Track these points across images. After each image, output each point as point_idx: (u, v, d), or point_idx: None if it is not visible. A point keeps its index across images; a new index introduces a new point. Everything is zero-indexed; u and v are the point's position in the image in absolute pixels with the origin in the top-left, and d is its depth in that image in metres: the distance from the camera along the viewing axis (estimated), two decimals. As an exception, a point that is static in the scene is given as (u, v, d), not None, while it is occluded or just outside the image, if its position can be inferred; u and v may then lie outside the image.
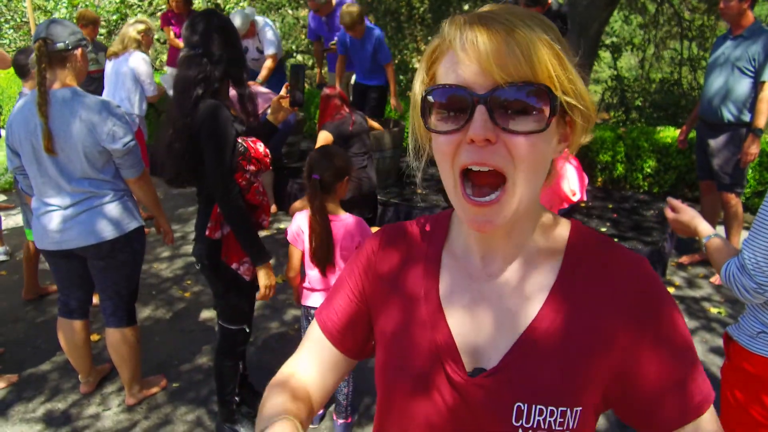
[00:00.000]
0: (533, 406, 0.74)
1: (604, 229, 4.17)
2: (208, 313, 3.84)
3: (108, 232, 2.57)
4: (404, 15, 9.58)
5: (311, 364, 0.92)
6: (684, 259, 4.41)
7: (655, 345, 0.75)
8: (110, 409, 2.93)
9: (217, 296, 2.52)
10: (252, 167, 2.27)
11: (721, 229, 4.37)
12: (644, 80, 9.56)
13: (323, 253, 2.41)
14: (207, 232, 2.31)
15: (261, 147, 2.31)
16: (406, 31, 9.70)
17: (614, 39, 9.81)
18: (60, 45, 2.41)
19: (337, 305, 0.93)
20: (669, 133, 5.44)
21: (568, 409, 0.74)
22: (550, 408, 0.74)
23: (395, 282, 0.87)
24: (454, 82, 0.68)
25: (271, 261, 2.57)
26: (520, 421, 0.74)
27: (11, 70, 7.28)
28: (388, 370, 0.85)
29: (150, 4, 9.02)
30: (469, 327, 0.80)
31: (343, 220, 2.46)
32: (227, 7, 8.93)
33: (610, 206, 4.68)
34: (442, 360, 0.79)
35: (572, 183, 3.52)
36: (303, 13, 11.85)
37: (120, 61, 4.57)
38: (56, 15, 8.29)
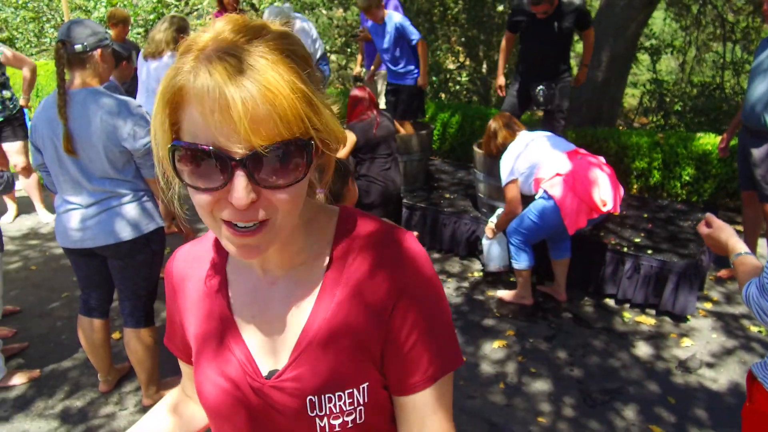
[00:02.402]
0: (322, 396, 0.80)
1: (638, 240, 4.01)
2: (228, 315, 3.82)
3: (126, 232, 2.56)
4: (437, 15, 9.49)
5: (187, 385, 1.06)
6: (723, 273, 4.22)
7: (410, 309, 0.80)
8: (126, 408, 2.93)
9: None
10: None
11: (764, 242, 4.17)
12: (685, 84, 9.26)
13: None
14: None
15: None
16: (439, 31, 9.61)
17: (653, 41, 9.53)
18: (78, 47, 2.41)
19: (170, 330, 1.00)
20: (709, 140, 5.23)
21: (354, 389, 0.81)
22: (337, 393, 0.80)
23: (192, 303, 0.92)
24: (205, 143, 0.64)
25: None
26: (315, 412, 0.81)
27: (50, 67, 7.45)
28: (203, 390, 0.89)
29: (186, 3, 9.12)
30: (260, 334, 0.85)
31: None
32: (261, 6, 8.98)
33: (645, 216, 4.51)
34: (243, 369, 0.84)
35: (603, 192, 3.39)
36: (338, 13, 11.87)
37: (157, 64, 4.55)
38: (95, 14, 8.46)
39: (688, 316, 3.71)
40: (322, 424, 0.81)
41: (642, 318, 3.72)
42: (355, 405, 0.82)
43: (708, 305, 3.87)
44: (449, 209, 4.65)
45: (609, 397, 2.99)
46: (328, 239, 0.85)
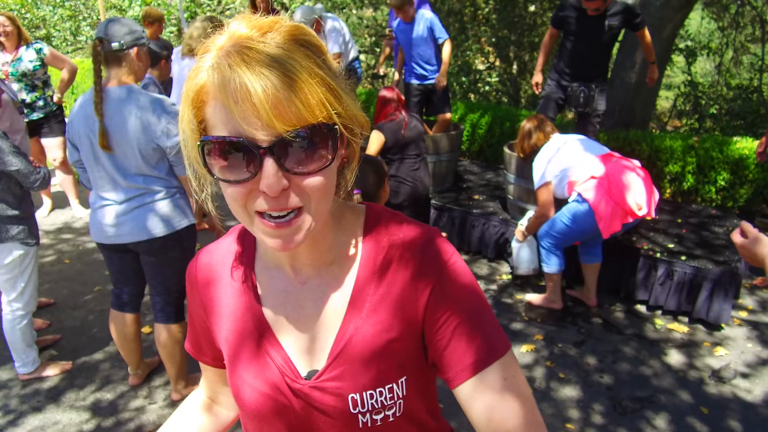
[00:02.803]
0: (364, 393, 0.81)
1: (671, 245, 3.93)
2: (256, 312, 3.85)
3: (159, 229, 2.59)
4: (468, 16, 9.43)
5: (204, 383, 1.08)
6: (758, 281, 4.11)
7: (443, 302, 0.80)
8: (155, 402, 2.97)
9: None
10: None
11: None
12: (721, 86, 9.03)
13: None
14: None
15: None
16: (469, 32, 9.55)
17: (689, 43, 9.32)
18: (115, 45, 2.44)
19: (192, 333, 1.01)
20: (745, 144, 5.09)
21: (394, 384, 0.82)
22: (378, 389, 0.81)
23: (221, 307, 0.91)
24: (232, 134, 0.66)
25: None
26: (357, 409, 0.82)
27: (86, 65, 7.59)
28: (240, 393, 0.89)
29: (219, 2, 9.22)
30: (295, 335, 0.85)
31: None
32: (292, 6, 9.03)
33: (678, 221, 4.41)
34: (281, 371, 0.85)
35: (638, 196, 3.32)
36: (368, 13, 11.88)
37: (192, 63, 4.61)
38: (130, 13, 8.61)
39: (723, 325, 3.62)
40: (365, 420, 0.83)
41: (674, 325, 3.64)
42: (395, 399, 0.83)
43: (743, 314, 3.77)
44: (478, 210, 4.61)
45: (640, 405, 2.94)
46: (357, 237, 0.86)
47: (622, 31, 4.71)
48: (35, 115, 4.49)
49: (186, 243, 2.72)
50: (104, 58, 2.45)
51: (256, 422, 0.90)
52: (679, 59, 9.50)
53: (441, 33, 5.24)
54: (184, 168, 2.58)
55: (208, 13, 9.20)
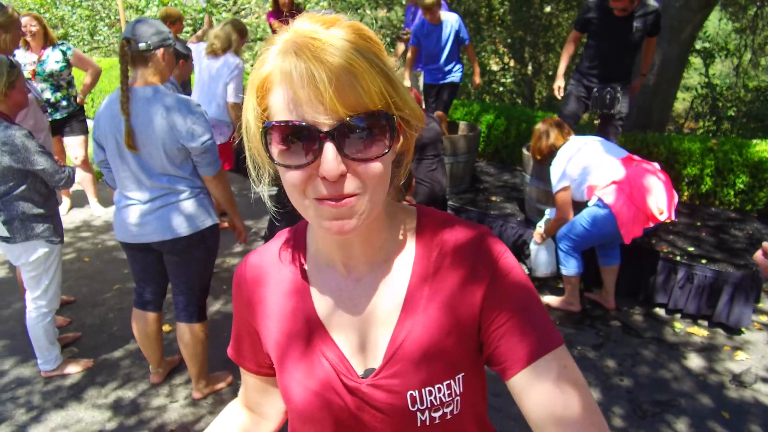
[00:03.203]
0: (422, 390, 0.81)
1: (691, 249, 3.90)
2: (274, 312, 3.86)
3: (183, 228, 2.61)
4: (483, 17, 9.41)
5: (245, 394, 1.06)
6: (779, 285, 4.08)
7: (497, 299, 0.81)
8: (177, 401, 2.99)
9: None
10: None
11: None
12: (739, 88, 8.96)
13: None
14: None
15: None
16: (485, 32, 9.53)
17: (706, 44, 9.24)
18: (142, 45, 2.46)
19: (237, 339, 1.00)
20: (765, 147, 5.03)
21: (451, 380, 0.82)
22: (437, 386, 0.81)
23: (271, 308, 0.91)
24: (295, 119, 0.68)
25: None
26: (416, 406, 0.82)
27: (102, 64, 7.64)
28: (290, 393, 0.88)
29: (234, 2, 9.27)
30: (350, 333, 0.86)
31: None
32: (307, 6, 9.06)
33: (698, 224, 4.38)
34: (336, 370, 0.85)
35: (660, 200, 3.30)
36: (381, 13, 11.89)
37: (217, 62, 4.64)
38: (147, 13, 8.66)
39: (743, 329, 3.59)
40: (423, 418, 0.83)
41: (694, 329, 3.62)
42: (453, 396, 0.83)
43: (763, 318, 3.74)
44: (495, 212, 4.60)
45: (660, 409, 2.92)
46: (410, 236, 0.87)
47: None
48: (58, 115, 4.55)
49: (209, 242, 2.74)
50: (131, 58, 2.48)
51: (307, 423, 0.89)
52: (695, 61, 9.43)
53: (466, 35, 5.35)
54: (208, 169, 2.61)
55: (224, 13, 9.25)
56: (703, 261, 3.72)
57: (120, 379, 3.17)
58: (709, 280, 3.62)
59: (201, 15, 8.99)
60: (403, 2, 10.75)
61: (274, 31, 6.21)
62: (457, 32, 5.30)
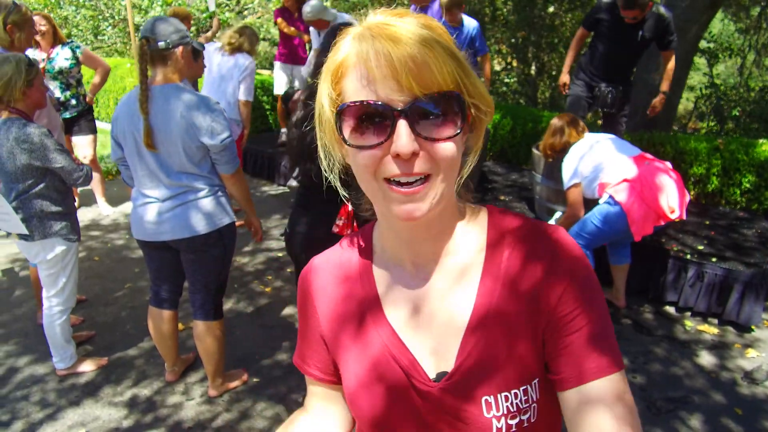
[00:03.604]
0: (498, 395, 0.78)
1: (701, 247, 3.92)
2: (288, 310, 3.88)
3: (201, 226, 2.62)
4: (488, 16, 9.43)
5: (310, 403, 1.00)
6: (787, 283, 4.10)
7: (571, 303, 0.78)
8: (193, 399, 3.00)
9: None
10: None
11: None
12: (742, 89, 8.99)
13: None
14: (337, 230, 2.32)
15: None
16: (488, 32, 9.55)
17: (710, 45, 9.28)
18: (161, 44, 2.47)
19: (302, 346, 0.97)
20: (772, 147, 5.08)
21: (528, 386, 0.79)
22: (513, 391, 0.78)
23: (337, 312, 0.89)
24: (369, 98, 0.69)
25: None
26: (491, 412, 0.78)
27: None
28: (358, 396, 0.86)
29: (237, 2, 9.27)
30: (420, 335, 0.83)
31: None
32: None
33: (707, 222, 4.40)
34: (406, 373, 0.82)
35: (671, 199, 3.32)
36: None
37: (231, 63, 4.67)
38: (152, 13, 8.67)
39: (753, 327, 3.61)
40: (499, 425, 0.78)
41: (704, 327, 3.64)
42: (530, 402, 0.79)
43: (771, 315, 3.77)
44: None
45: (674, 405, 2.94)
46: (480, 235, 0.84)
47: None
48: (67, 114, 4.55)
49: (226, 240, 2.75)
50: (150, 57, 2.49)
51: (375, 430, 0.86)
52: (699, 61, 9.47)
53: (483, 46, 5.31)
54: (226, 167, 2.62)
55: (227, 13, 9.26)
56: (713, 259, 3.74)
57: (135, 377, 3.18)
58: (719, 278, 3.64)
59: (204, 15, 9.00)
60: (406, 2, 10.77)
61: (281, 30, 6.23)
62: (473, 39, 5.26)
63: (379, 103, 0.69)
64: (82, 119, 4.74)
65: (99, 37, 10.49)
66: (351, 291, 0.89)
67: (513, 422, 0.78)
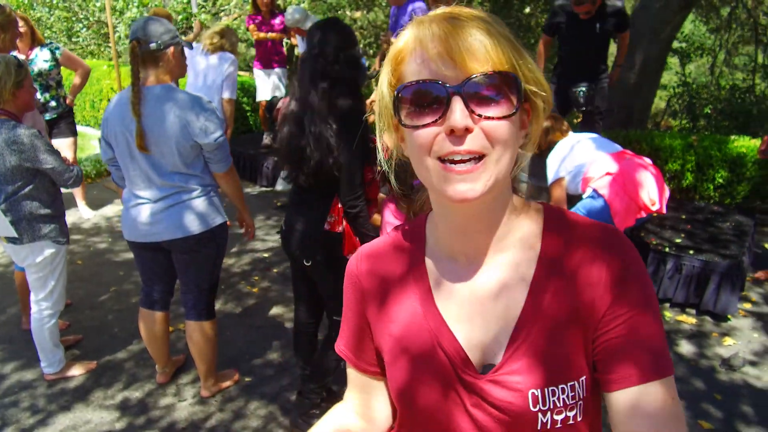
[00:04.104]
0: (546, 390, 0.77)
1: (679, 240, 4.04)
2: (277, 310, 3.89)
3: (195, 226, 2.62)
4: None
5: (352, 393, 1.01)
6: (760, 275, 4.24)
7: (625, 303, 0.78)
8: (185, 400, 3.00)
9: (327, 291, 2.54)
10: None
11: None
12: (713, 87, 9.25)
13: None
14: (327, 227, 2.36)
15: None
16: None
17: (683, 45, 9.52)
18: (153, 45, 2.47)
19: (347, 334, 0.98)
20: (743, 143, 5.25)
21: (576, 382, 0.78)
22: (561, 386, 0.77)
23: (386, 302, 0.90)
24: (427, 77, 0.72)
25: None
26: (537, 406, 0.77)
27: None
28: (403, 385, 0.86)
29: (213, 4, 9.22)
30: (469, 327, 0.83)
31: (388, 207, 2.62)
32: (286, 3, 9.06)
33: (683, 217, 4.54)
34: (453, 364, 0.82)
35: (651, 192, 3.42)
36: (357, 14, 11.94)
37: (214, 61, 4.67)
38: (128, 14, 8.58)
39: (729, 316, 3.73)
40: (545, 420, 0.78)
41: (683, 317, 3.75)
42: (577, 399, 0.78)
43: (747, 305, 3.89)
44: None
45: (658, 394, 3.03)
46: (536, 230, 0.84)
47: None
48: (47, 116, 4.48)
49: (219, 240, 2.76)
50: (142, 58, 2.49)
51: (417, 418, 0.86)
52: (672, 60, 9.71)
53: None
54: (219, 165, 2.64)
55: (203, 14, 9.20)
56: (691, 252, 3.86)
57: (125, 380, 3.16)
58: (696, 270, 3.76)
59: (181, 17, 8.93)
60: (383, 4, 10.83)
61: (256, 39, 6.21)
62: (414, 14, 5.28)
63: (434, 81, 0.71)
64: (62, 121, 4.68)
65: (73, 39, 10.32)
66: (401, 280, 0.89)
67: (559, 417, 0.78)
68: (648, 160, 3.62)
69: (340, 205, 2.35)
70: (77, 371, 3.19)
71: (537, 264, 0.82)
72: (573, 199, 3.68)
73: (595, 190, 3.46)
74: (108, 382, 3.15)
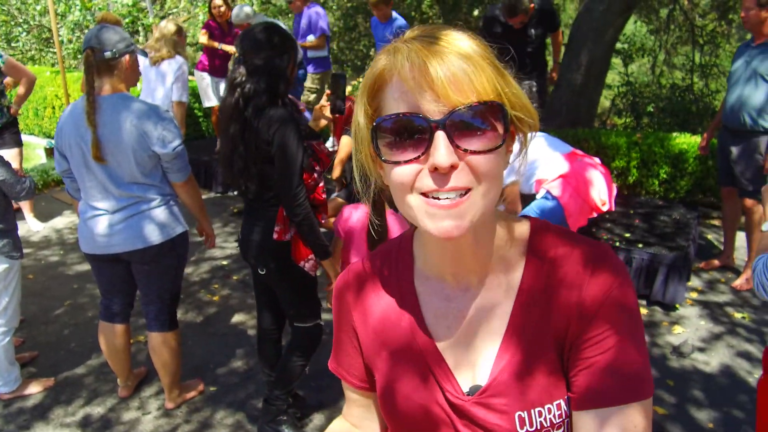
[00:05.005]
0: (532, 411, 0.76)
1: (627, 235, 4.21)
2: (238, 317, 3.86)
3: (155, 236, 2.59)
4: (417, 20, 9.65)
5: (349, 410, 1.00)
6: (702, 265, 4.46)
7: (603, 321, 0.75)
8: (149, 413, 2.95)
9: (285, 299, 2.56)
10: (319, 168, 2.32)
11: (742, 235, 4.42)
12: (655, 86, 9.64)
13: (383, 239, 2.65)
14: (275, 236, 2.35)
15: (325, 149, 2.37)
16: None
17: (625, 46, 9.89)
18: (108, 53, 2.43)
19: (338, 352, 0.97)
20: (684, 140, 5.50)
21: (561, 401, 0.77)
22: (547, 406, 0.76)
23: (375, 320, 0.88)
24: (407, 110, 0.68)
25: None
26: (525, 428, 0.77)
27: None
28: (391, 406, 0.85)
29: (161, 7, 9.03)
30: (456, 346, 0.82)
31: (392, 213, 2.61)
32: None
33: (631, 212, 4.73)
34: (440, 385, 0.81)
35: (602, 192, 3.56)
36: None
37: (164, 66, 4.58)
38: (70, 17, 8.31)
39: (678, 305, 3.92)
40: None
41: (635, 308, 3.91)
42: (563, 417, 0.77)
43: (694, 294, 4.09)
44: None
45: (614, 383, 3.15)
46: (521, 247, 0.82)
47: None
48: (-9, 126, 4.34)
49: (180, 250, 2.73)
50: (96, 67, 2.44)
51: None
52: (616, 61, 10.07)
53: None
54: (177, 175, 2.62)
55: (151, 17, 9.00)
56: (639, 245, 4.03)
57: (86, 396, 3.09)
58: (645, 262, 3.93)
59: (127, 20, 8.72)
60: (334, 7, 10.85)
61: (204, 46, 6.15)
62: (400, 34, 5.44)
63: (416, 114, 0.67)
64: (6, 132, 4.52)
65: (13, 44, 9.93)
66: (391, 299, 0.87)
67: None
68: (597, 160, 3.77)
69: (285, 214, 2.35)
70: (35, 389, 3.10)
71: (520, 284, 0.80)
72: (526, 198, 3.79)
73: (548, 192, 3.58)
74: (68, 399, 3.07)
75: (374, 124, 0.71)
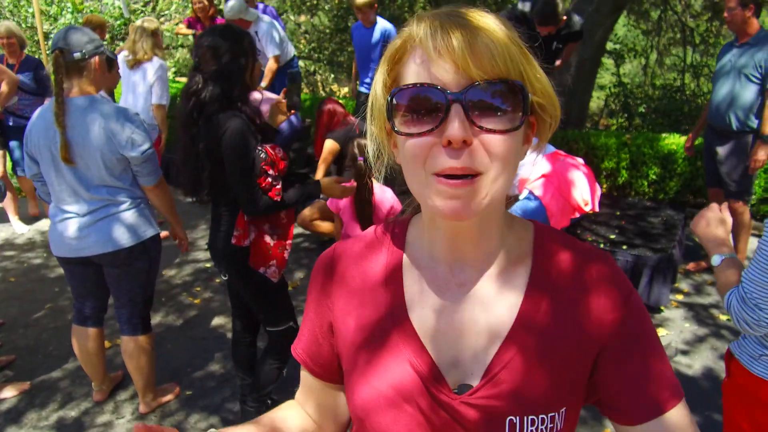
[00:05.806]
0: (525, 418, 0.73)
1: (612, 236, 4.18)
2: (219, 320, 3.83)
3: (125, 239, 2.57)
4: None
5: (305, 398, 0.95)
6: (690, 266, 4.43)
7: (625, 342, 0.75)
8: (123, 417, 2.93)
9: (253, 304, 2.53)
10: (273, 171, 2.29)
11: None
12: (647, 87, 9.62)
13: (368, 216, 3.29)
14: (234, 240, 2.32)
15: (279, 152, 2.34)
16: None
17: (617, 47, 9.87)
18: (77, 55, 2.41)
19: (306, 337, 0.91)
20: (674, 140, 5.47)
21: (556, 413, 0.74)
22: (540, 416, 0.73)
23: (354, 301, 0.83)
24: (425, 80, 0.66)
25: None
26: None
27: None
28: (360, 399, 0.80)
29: (153, 9, 9.02)
30: (446, 341, 0.77)
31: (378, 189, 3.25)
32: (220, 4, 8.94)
33: (617, 213, 4.70)
34: (423, 381, 0.76)
35: (584, 192, 3.53)
36: (302, 18, 11.90)
37: (145, 69, 4.56)
38: (62, 21, 8.30)
39: (662, 307, 3.88)
40: None
41: (619, 311, 3.88)
42: (555, 430, 0.75)
43: (679, 297, 4.06)
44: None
45: (594, 386, 3.12)
46: (526, 248, 0.79)
47: None
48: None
49: (152, 253, 2.71)
50: (65, 69, 2.42)
51: None
52: (607, 61, 10.05)
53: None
54: (147, 178, 2.59)
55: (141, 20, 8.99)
56: (624, 247, 4.00)
57: (61, 400, 3.06)
58: (630, 264, 3.89)
59: (119, 23, 8.70)
60: (327, 8, 10.84)
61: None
62: (388, 37, 5.37)
63: (433, 86, 0.64)
64: (-11, 134, 4.52)
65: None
66: (374, 286, 0.82)
67: None
68: (580, 160, 3.74)
69: (246, 219, 2.33)
70: (9, 393, 3.08)
71: (528, 285, 0.77)
72: (509, 198, 3.76)
73: (531, 192, 3.55)
74: (42, 403, 3.04)
75: (390, 95, 0.68)
